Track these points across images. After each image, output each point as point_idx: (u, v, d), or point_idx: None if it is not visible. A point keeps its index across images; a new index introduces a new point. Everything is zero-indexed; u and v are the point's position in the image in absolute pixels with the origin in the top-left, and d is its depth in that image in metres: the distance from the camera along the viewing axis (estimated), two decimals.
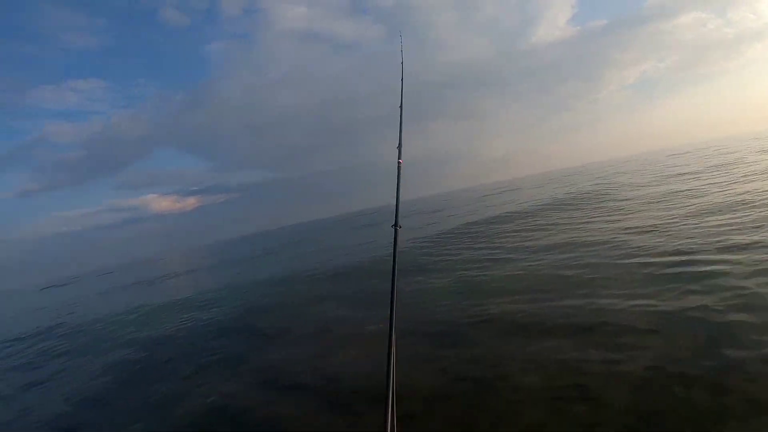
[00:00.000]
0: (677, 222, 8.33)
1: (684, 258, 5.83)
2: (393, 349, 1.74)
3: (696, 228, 7.48)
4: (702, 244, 6.31)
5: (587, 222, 10.85)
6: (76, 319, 13.85)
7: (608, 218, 10.69)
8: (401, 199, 2.52)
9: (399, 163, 2.61)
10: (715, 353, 3.27)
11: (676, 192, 12.75)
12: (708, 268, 5.24)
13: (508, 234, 11.59)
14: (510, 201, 23.96)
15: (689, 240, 6.72)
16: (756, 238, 6.06)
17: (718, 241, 6.26)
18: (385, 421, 1.25)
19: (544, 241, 9.29)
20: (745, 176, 13.09)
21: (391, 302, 2.07)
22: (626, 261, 6.34)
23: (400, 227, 2.50)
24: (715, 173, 15.89)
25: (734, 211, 8.15)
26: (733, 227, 6.93)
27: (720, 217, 7.89)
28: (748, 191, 10.05)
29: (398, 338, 1.66)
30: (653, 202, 11.73)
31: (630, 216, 10.31)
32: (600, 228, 9.57)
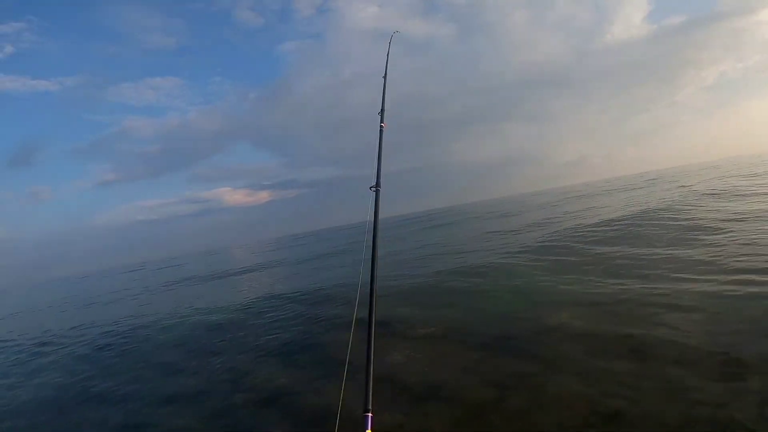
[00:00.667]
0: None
1: None
2: (372, 331, 1.75)
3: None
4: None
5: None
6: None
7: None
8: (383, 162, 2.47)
9: (381, 126, 2.62)
10: None
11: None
12: None
13: None
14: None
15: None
16: None
17: None
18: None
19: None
20: None
21: (372, 271, 1.97)
22: None
23: (380, 188, 2.44)
24: None
25: None
26: None
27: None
28: None
29: None
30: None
31: None
32: None
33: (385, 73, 3.07)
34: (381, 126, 2.64)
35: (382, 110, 2.72)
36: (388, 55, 3.23)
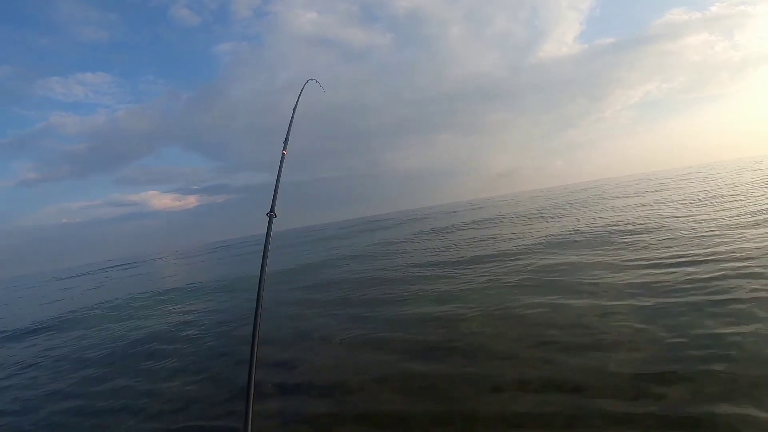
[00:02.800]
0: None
1: None
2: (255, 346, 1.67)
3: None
4: None
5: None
6: None
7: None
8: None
9: (283, 154, 2.60)
10: None
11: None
12: None
13: None
14: None
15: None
16: None
17: None
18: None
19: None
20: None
21: (258, 290, 1.88)
22: None
23: (276, 216, 2.37)
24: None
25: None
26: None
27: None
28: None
29: None
30: None
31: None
32: None
33: (295, 106, 3.11)
34: (282, 153, 2.60)
35: (286, 139, 2.70)
36: (299, 96, 3.30)
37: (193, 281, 15.52)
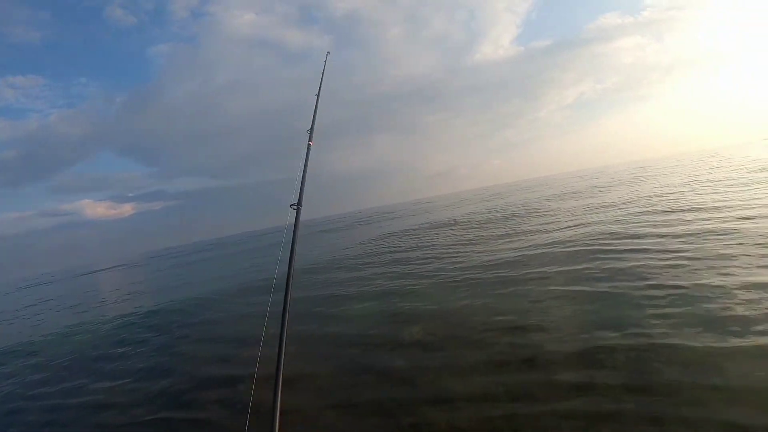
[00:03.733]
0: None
1: None
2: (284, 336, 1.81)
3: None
4: None
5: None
6: None
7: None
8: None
9: (309, 144, 2.69)
10: None
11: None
12: None
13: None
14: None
15: None
16: None
17: None
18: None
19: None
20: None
21: (287, 280, 2.07)
22: None
23: (301, 207, 2.52)
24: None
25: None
26: None
27: None
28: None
29: None
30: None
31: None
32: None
33: (318, 92, 3.13)
34: (309, 144, 2.70)
35: (312, 129, 2.77)
36: (323, 74, 3.29)
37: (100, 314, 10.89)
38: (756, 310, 3.70)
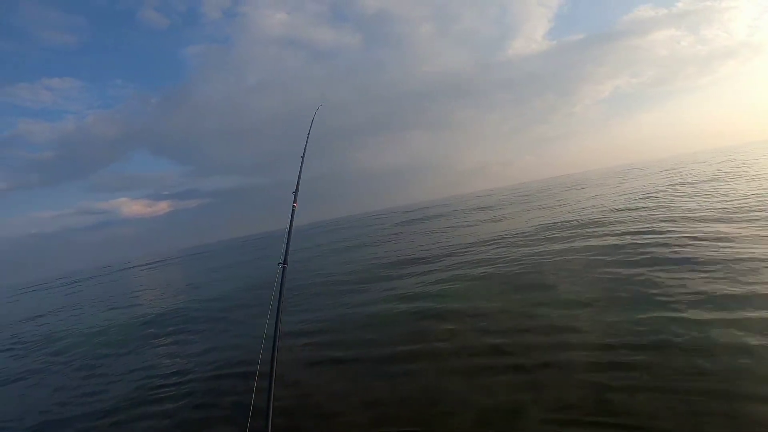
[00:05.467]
0: None
1: None
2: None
3: None
4: None
5: None
6: None
7: None
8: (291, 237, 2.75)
9: (293, 206, 2.85)
10: None
11: None
12: None
13: None
14: None
15: None
16: None
17: None
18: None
19: None
20: None
21: (274, 341, 2.24)
22: None
23: (286, 266, 2.69)
24: None
25: None
26: None
27: None
28: None
29: None
30: None
31: None
32: None
33: (304, 153, 3.26)
34: (293, 206, 2.84)
35: (296, 190, 2.90)
36: (309, 130, 3.37)
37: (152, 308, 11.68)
38: None
